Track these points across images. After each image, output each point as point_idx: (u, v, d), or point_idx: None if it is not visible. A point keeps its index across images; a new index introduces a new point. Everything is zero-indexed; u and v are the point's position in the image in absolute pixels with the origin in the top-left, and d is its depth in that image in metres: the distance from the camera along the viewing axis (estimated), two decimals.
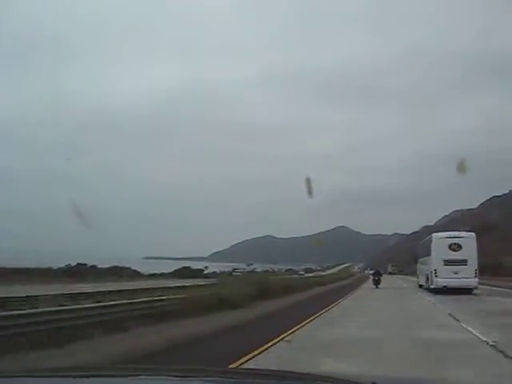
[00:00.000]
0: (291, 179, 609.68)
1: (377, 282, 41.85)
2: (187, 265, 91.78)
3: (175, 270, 68.76)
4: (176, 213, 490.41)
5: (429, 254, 33.63)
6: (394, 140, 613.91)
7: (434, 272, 31.78)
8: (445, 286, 30.61)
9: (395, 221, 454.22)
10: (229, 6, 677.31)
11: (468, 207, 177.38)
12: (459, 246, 31.50)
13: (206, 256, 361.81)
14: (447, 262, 31.27)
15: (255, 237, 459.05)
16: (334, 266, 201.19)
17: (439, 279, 31.22)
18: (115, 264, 61.39)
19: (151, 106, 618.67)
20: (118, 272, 53.92)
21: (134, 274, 57.18)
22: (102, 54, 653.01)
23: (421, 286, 39.39)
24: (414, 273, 56.09)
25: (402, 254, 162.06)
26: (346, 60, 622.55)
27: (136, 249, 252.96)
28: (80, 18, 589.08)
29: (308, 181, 12.15)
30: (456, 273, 30.67)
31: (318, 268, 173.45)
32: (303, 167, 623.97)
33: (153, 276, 61.36)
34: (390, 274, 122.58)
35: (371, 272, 57.53)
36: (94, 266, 58.76)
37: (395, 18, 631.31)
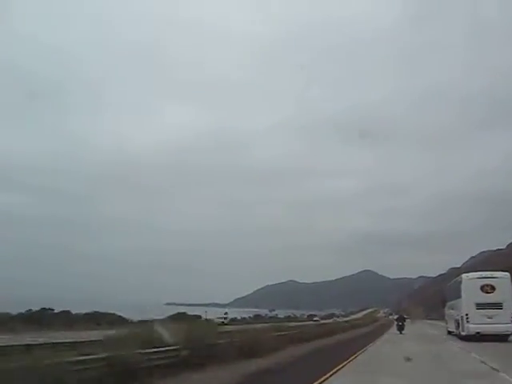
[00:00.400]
0: (315, 223, 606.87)
1: (400, 328, 42.28)
2: (204, 310, 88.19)
3: (169, 316, 63.35)
4: (199, 260, 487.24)
5: (458, 297, 30.40)
6: (417, 182, 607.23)
7: (465, 317, 28.45)
8: (478, 333, 27.47)
9: (420, 263, 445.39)
10: (243, 56, 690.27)
11: (496, 248, 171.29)
12: (493, 288, 28.37)
13: (228, 302, 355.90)
14: (480, 306, 27.97)
15: (278, 282, 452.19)
16: (358, 311, 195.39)
17: (471, 325, 27.91)
18: (96, 310, 55.71)
19: (167, 155, 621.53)
20: (96, 318, 47.83)
21: (118, 321, 51.85)
22: (116, 103, 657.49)
23: (450, 332, 35.82)
24: (442, 317, 52.41)
25: (429, 298, 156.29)
26: (365, 103, 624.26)
27: (159, 295, 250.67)
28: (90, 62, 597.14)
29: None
30: (490, 317, 27.55)
31: (342, 313, 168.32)
32: (326, 211, 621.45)
33: (143, 323, 57.11)
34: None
35: (395, 317, 58.43)
36: (65, 311, 52.92)
37: (414, 59, 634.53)
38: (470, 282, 29.54)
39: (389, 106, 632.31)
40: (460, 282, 30.59)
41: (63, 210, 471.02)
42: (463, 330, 28.92)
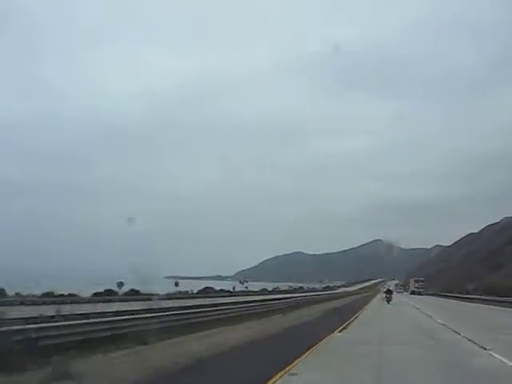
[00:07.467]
0: (323, 191, 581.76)
1: (388, 299, 52.32)
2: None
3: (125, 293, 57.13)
4: (202, 229, 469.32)
5: None
6: (433, 139, 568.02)
7: None
8: None
9: (436, 232, 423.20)
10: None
11: None
12: None
13: (232, 274, 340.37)
14: None
15: (286, 253, 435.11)
16: (354, 283, 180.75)
17: None
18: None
19: (156, 108, 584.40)
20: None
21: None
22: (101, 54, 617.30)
23: None
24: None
25: (446, 269, 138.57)
26: (373, 44, 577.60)
27: (161, 267, 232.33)
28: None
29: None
30: None
31: (344, 284, 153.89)
32: (335, 176, 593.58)
33: None
34: (413, 293, 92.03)
35: (384, 290, 65.91)
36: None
37: None
38: None
39: (397, 48, 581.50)
40: None
41: (42, 173, 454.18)
42: None
